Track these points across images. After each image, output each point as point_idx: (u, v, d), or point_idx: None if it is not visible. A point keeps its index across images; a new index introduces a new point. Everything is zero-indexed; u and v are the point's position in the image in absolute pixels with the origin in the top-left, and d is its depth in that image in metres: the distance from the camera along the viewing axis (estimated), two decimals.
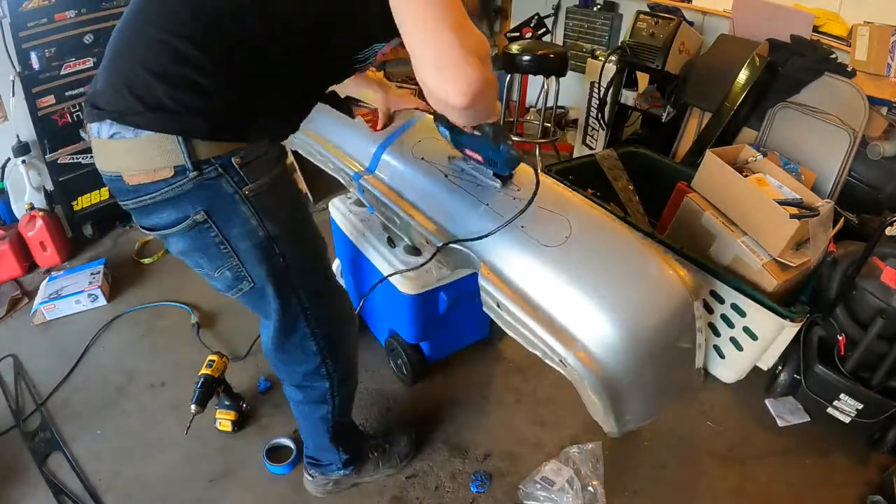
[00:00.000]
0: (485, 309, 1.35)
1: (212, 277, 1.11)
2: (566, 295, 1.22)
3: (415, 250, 1.71)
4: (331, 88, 1.29)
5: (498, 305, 1.28)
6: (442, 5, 0.86)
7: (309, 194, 2.25)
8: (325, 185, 2.18)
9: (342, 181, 1.76)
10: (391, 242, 1.75)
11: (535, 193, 1.25)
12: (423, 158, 1.49)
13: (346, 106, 1.81)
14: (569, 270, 1.22)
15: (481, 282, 1.31)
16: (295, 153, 2.02)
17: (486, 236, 1.28)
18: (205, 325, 2.11)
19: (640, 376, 1.24)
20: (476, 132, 1.22)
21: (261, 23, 0.92)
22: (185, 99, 0.91)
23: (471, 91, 0.88)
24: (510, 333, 1.30)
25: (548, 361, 1.23)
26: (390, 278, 1.65)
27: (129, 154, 0.94)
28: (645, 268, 1.28)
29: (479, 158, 1.32)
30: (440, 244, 1.38)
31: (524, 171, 1.37)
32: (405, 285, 1.65)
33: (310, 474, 1.52)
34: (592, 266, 1.24)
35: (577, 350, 1.17)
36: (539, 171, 1.31)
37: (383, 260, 1.71)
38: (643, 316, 1.22)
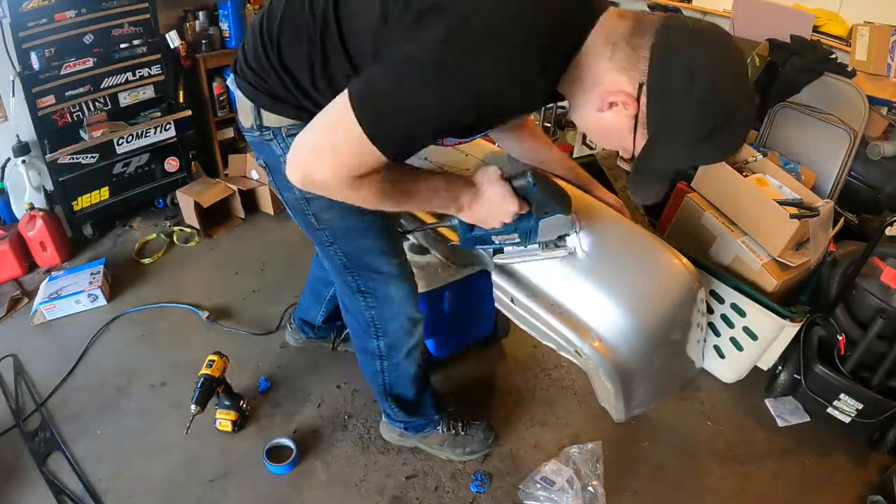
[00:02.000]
0: (497, 305, 1.36)
1: (309, 233, 1.31)
2: (578, 287, 1.23)
3: (421, 249, 1.71)
4: None
5: (512, 301, 1.30)
6: (335, 133, 0.92)
7: None
8: None
9: None
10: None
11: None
12: (426, 159, 1.49)
13: None
14: (580, 264, 1.24)
15: (495, 278, 1.32)
16: None
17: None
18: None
19: (650, 362, 1.27)
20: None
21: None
22: (260, 83, 1.13)
23: (296, 176, 0.96)
24: (523, 327, 1.31)
25: (562, 353, 1.26)
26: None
27: (241, 108, 1.21)
28: (653, 257, 1.30)
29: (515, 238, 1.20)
30: (450, 244, 1.39)
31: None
32: None
33: (382, 415, 1.68)
34: (602, 258, 1.26)
35: (592, 339, 1.19)
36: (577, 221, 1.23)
37: None
38: (654, 304, 1.26)
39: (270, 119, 1.16)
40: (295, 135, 1.00)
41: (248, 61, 1.14)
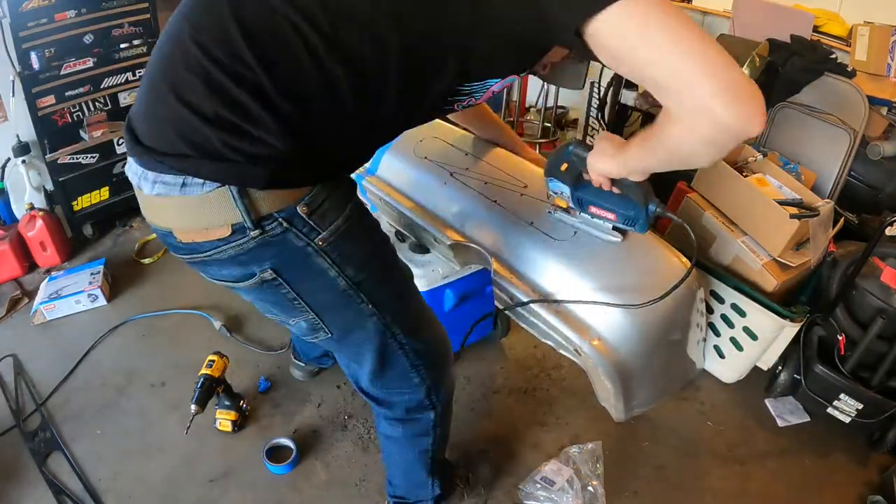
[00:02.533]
0: (497, 303, 1.37)
1: (287, 325, 1.02)
2: (577, 286, 1.24)
3: (421, 248, 1.71)
4: None
5: (511, 299, 1.30)
6: (685, 22, 0.72)
7: None
8: None
9: None
10: (400, 236, 1.75)
11: (688, 272, 1.23)
12: (426, 158, 1.50)
13: None
14: (579, 262, 1.25)
15: (495, 277, 1.32)
16: None
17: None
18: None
19: (649, 361, 1.28)
20: (615, 188, 1.16)
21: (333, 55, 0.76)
22: (240, 145, 0.76)
23: (765, 114, 0.73)
24: (523, 325, 1.32)
25: (561, 351, 1.26)
26: None
27: (178, 210, 0.82)
28: (652, 257, 1.30)
29: (612, 217, 1.26)
30: (449, 242, 1.39)
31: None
32: None
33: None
34: (602, 257, 1.26)
35: (592, 338, 1.20)
36: (694, 244, 1.25)
37: None
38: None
39: (272, 200, 0.81)
40: (315, 204, 0.79)
41: (210, 125, 0.75)
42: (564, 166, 1.27)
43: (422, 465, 1.29)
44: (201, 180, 0.78)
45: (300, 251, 0.85)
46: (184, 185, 0.79)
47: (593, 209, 1.28)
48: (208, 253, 0.85)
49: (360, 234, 0.94)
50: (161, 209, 0.85)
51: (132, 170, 0.87)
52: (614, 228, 1.30)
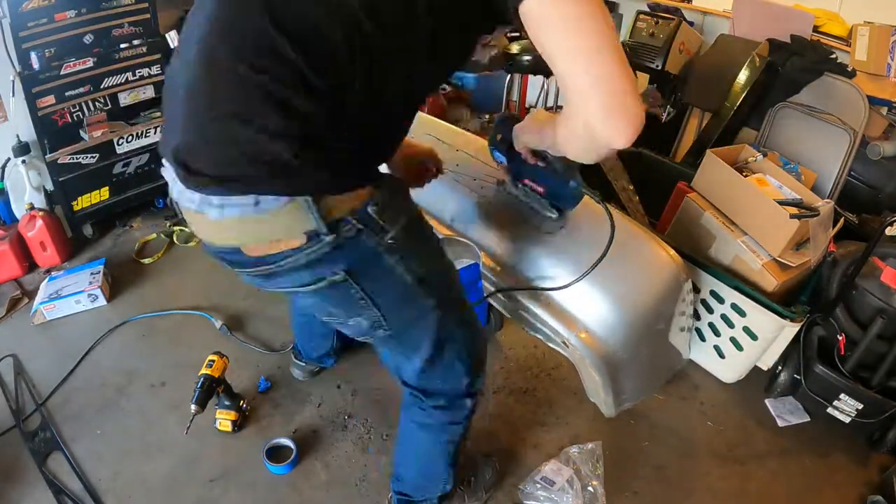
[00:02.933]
0: (486, 296, 1.37)
1: (343, 324, 1.03)
2: (565, 278, 1.24)
3: None
4: None
5: (500, 292, 1.30)
6: (605, 28, 0.73)
7: None
8: None
9: None
10: None
11: (611, 239, 1.23)
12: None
13: None
14: (567, 255, 1.25)
15: (483, 270, 1.33)
16: None
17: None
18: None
19: (636, 353, 1.28)
20: (540, 163, 1.21)
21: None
22: (309, 154, 0.78)
23: (636, 133, 0.76)
24: (512, 318, 1.32)
25: (550, 344, 1.26)
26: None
27: (251, 227, 0.82)
28: (639, 249, 1.31)
29: (540, 190, 1.30)
30: (440, 237, 1.39)
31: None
32: None
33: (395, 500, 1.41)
34: (589, 250, 1.27)
35: (579, 330, 1.20)
36: (610, 209, 1.29)
37: None
38: (639, 295, 1.27)
39: (345, 203, 0.83)
40: (384, 204, 0.82)
41: (271, 139, 0.76)
42: (499, 136, 1.34)
43: (446, 456, 1.30)
44: (274, 196, 0.79)
45: (371, 251, 0.88)
46: (257, 203, 0.79)
47: (526, 181, 1.33)
48: (280, 263, 0.86)
49: (421, 231, 1.00)
50: (228, 229, 0.85)
51: (186, 196, 0.86)
52: (552, 206, 1.35)
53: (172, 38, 2.59)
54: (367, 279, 0.92)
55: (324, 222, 0.81)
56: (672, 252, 1.31)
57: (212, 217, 0.83)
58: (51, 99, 2.29)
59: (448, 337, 1.07)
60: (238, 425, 1.70)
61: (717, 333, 1.86)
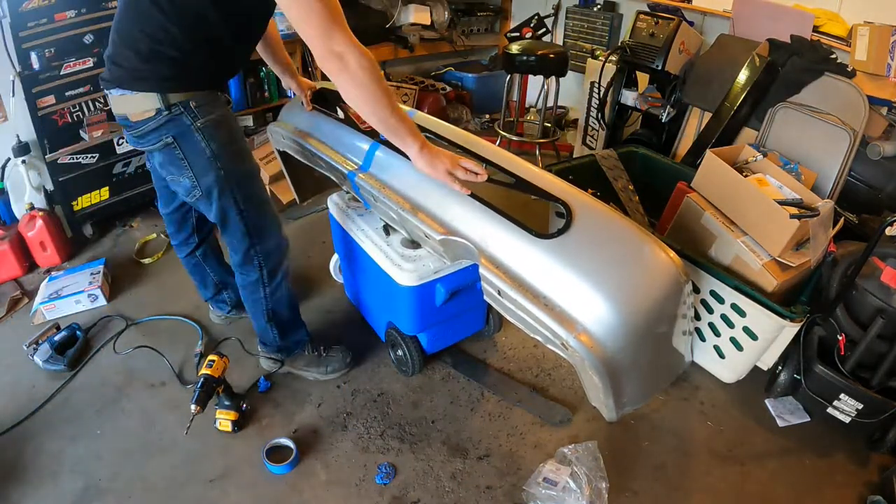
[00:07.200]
0: (486, 297, 1.37)
1: (177, 184, 1.54)
2: (565, 280, 1.23)
3: (412, 243, 1.71)
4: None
5: (499, 293, 1.30)
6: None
7: (296, 194, 2.26)
8: (314, 184, 2.20)
9: (335, 180, 1.76)
10: (387, 231, 1.76)
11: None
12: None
13: (334, 105, 1.83)
14: (567, 256, 1.24)
15: (482, 271, 1.32)
16: (283, 154, 2.02)
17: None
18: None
19: (637, 356, 1.27)
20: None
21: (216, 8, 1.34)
22: (162, 70, 1.37)
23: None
24: (511, 320, 1.32)
25: (549, 346, 1.26)
26: (391, 270, 1.66)
27: (129, 104, 1.42)
28: (639, 251, 1.30)
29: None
30: (439, 237, 1.39)
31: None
32: (403, 277, 1.65)
33: (258, 347, 1.91)
34: (589, 251, 1.26)
35: (578, 332, 1.19)
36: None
37: (381, 253, 1.72)
38: (640, 297, 1.25)
39: (177, 96, 1.39)
40: (201, 102, 1.44)
41: (144, 61, 1.35)
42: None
43: (262, 313, 1.76)
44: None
45: (187, 127, 1.43)
46: (133, 92, 1.41)
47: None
48: (141, 128, 1.44)
49: (225, 128, 1.49)
50: (122, 103, 1.43)
51: (104, 86, 1.46)
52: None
53: None
54: (184, 145, 1.45)
55: (164, 105, 1.39)
56: (672, 253, 1.31)
57: (114, 94, 1.44)
58: (51, 99, 2.30)
59: (234, 207, 1.54)
60: (238, 425, 1.70)
61: (717, 333, 1.86)
